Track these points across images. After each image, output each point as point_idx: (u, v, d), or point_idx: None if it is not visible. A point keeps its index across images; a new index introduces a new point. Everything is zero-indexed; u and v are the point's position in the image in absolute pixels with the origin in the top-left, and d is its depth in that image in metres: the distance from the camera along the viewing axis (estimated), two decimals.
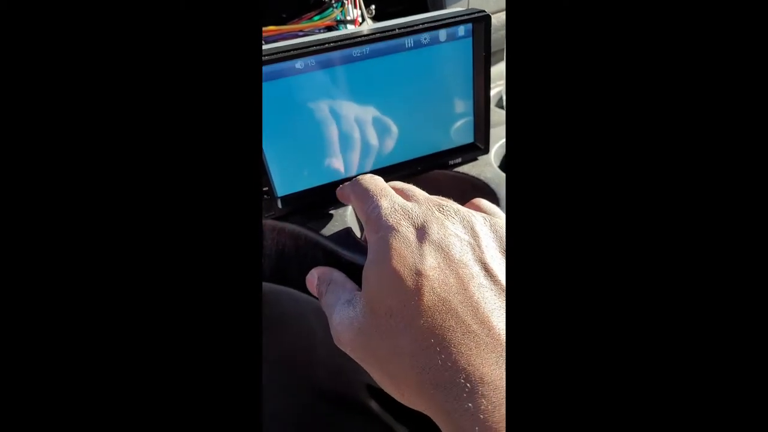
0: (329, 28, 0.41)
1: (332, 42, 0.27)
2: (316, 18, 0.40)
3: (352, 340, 0.21)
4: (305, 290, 0.33)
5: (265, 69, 0.26)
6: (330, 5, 0.40)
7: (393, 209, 0.22)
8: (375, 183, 0.24)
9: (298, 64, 0.27)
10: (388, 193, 0.23)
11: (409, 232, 0.21)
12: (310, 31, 0.41)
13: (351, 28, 0.40)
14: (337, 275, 0.25)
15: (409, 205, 0.22)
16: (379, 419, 0.45)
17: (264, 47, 0.28)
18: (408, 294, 0.19)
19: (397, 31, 0.28)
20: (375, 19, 0.44)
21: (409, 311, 0.19)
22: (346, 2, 0.40)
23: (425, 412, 0.20)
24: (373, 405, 0.44)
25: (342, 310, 0.22)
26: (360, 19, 0.40)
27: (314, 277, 0.26)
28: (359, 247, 0.29)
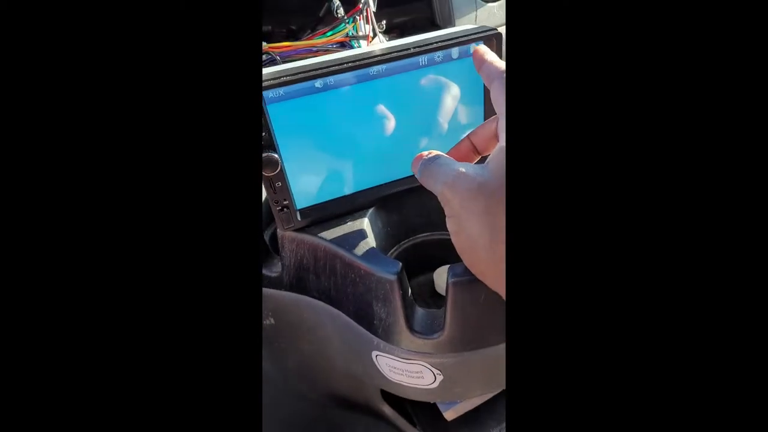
0: (342, 44, 0.42)
1: (350, 62, 0.28)
2: (329, 33, 0.42)
3: (469, 190, 0.22)
4: (323, 299, 0.35)
5: (287, 89, 0.28)
6: (342, 21, 0.42)
7: None
8: None
9: (318, 83, 0.28)
10: None
11: None
12: (323, 46, 0.42)
13: (364, 45, 0.41)
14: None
15: None
16: (392, 423, 0.46)
17: (285, 67, 0.29)
18: None
19: (412, 50, 0.29)
20: (385, 33, 0.45)
21: None
22: (358, 18, 0.41)
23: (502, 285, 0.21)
24: (387, 410, 0.45)
25: (466, 166, 0.23)
26: (371, 35, 0.42)
27: (427, 153, 0.27)
28: (378, 258, 0.30)
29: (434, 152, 0.27)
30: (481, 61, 0.28)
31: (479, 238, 0.22)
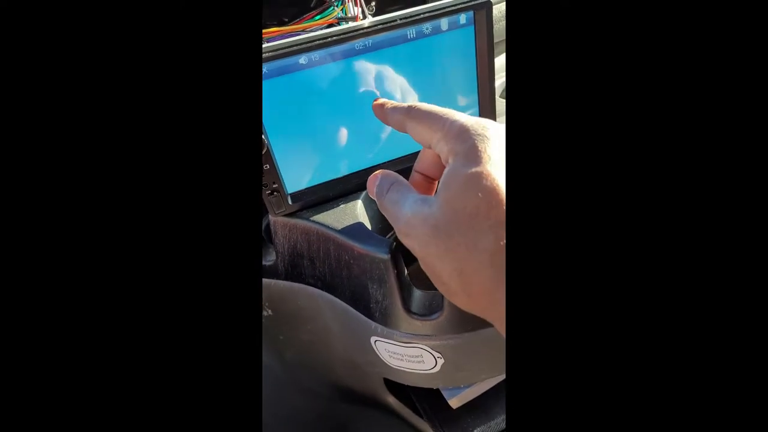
0: (330, 26, 0.41)
1: (335, 36, 0.27)
2: (318, 17, 0.41)
3: (425, 234, 0.21)
4: (320, 286, 0.34)
5: (269, 66, 0.27)
6: (330, 4, 0.41)
7: (477, 122, 0.22)
8: (435, 107, 0.24)
9: (302, 59, 0.27)
10: (456, 112, 0.23)
11: (499, 142, 0.21)
12: (312, 30, 0.41)
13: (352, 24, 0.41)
14: (402, 179, 0.25)
15: (482, 120, 0.22)
16: (396, 413, 0.45)
17: (267, 45, 0.28)
18: (498, 196, 0.20)
19: (398, 21, 0.28)
20: (375, 16, 0.44)
21: (497, 212, 0.19)
22: (346, 0, 0.40)
23: (487, 314, 0.21)
24: (391, 400, 0.44)
25: (415, 206, 0.22)
26: (361, 17, 0.41)
27: (377, 177, 0.26)
28: (372, 238, 0.29)
29: (389, 176, 0.25)
30: (385, 112, 0.26)
31: (450, 281, 0.21)
